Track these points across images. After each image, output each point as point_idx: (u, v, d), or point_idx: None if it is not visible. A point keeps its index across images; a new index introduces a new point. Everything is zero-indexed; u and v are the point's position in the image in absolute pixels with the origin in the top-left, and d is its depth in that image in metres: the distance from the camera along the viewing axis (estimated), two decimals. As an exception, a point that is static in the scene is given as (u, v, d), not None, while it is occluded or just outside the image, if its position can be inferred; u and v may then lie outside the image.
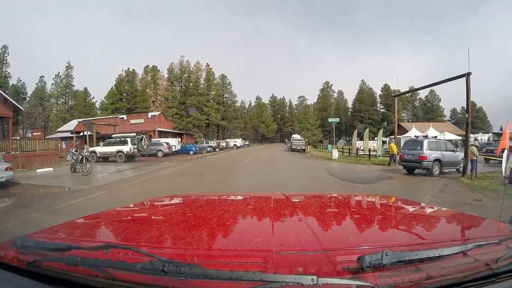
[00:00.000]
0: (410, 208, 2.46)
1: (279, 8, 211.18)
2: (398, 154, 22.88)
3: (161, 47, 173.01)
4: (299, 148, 51.68)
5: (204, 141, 62.51)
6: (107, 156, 32.11)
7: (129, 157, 31.58)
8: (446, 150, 18.72)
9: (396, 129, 30.46)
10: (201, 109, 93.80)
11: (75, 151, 20.04)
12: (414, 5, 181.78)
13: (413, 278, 1.05)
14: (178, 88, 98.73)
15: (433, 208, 2.32)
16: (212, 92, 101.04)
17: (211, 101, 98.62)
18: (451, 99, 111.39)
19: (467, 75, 17.00)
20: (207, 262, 1.11)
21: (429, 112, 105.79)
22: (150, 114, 61.67)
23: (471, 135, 46.10)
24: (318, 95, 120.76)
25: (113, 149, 31.61)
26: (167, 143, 43.34)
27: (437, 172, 17.75)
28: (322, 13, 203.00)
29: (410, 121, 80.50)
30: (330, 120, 52.30)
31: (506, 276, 1.14)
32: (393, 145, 25.43)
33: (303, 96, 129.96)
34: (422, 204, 2.55)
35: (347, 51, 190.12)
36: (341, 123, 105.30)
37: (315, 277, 0.98)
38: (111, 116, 66.52)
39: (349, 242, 1.47)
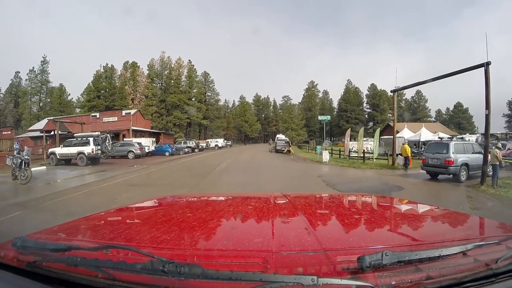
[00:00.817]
0: (410, 208, 2.49)
1: (265, 7, 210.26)
2: (410, 156, 22.21)
3: (142, 42, 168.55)
4: (284, 149, 48.61)
5: (183, 142, 59.00)
6: (68, 158, 28.78)
7: (93, 160, 28.13)
8: (473, 153, 16.97)
9: (395, 128, 27.86)
10: (182, 107, 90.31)
11: (17, 153, 16.96)
12: (401, 6, 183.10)
13: (413, 278, 1.05)
14: (158, 85, 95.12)
15: (433, 208, 2.33)
16: (194, 90, 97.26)
17: (193, 99, 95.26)
18: (436, 100, 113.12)
19: (486, 64, 14.76)
20: (207, 262, 1.11)
21: (415, 112, 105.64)
22: (124, 112, 57.84)
23: (459, 135, 46.22)
24: (303, 95, 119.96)
25: (74, 150, 28.04)
26: (139, 144, 39.45)
27: (464, 177, 15.99)
28: (308, 12, 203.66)
29: (397, 121, 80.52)
30: (320, 118, 46.11)
31: (506, 276, 1.14)
32: (407, 146, 23.28)
33: (288, 95, 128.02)
34: (422, 204, 2.54)
35: (333, 51, 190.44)
36: (326, 123, 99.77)
37: (315, 277, 0.98)
38: (83, 114, 64.14)
39: (349, 242, 1.48)
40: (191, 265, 1.04)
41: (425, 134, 38.08)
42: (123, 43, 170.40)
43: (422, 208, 2.43)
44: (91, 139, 28.22)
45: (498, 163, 14.33)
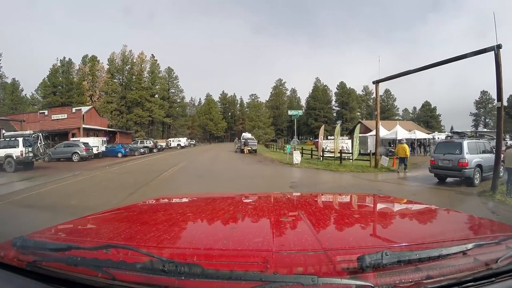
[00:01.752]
0: (410, 208, 2.51)
1: (234, 5, 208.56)
2: (407, 157, 20.06)
3: (102, 35, 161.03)
4: (251, 148, 44.95)
5: (139, 141, 54.01)
6: None
7: (24, 164, 24.02)
8: (484, 152, 15.28)
9: (378, 124, 24.02)
10: (143, 104, 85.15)
11: None
12: (369, 8, 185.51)
13: (413, 278, 1.06)
14: (119, 81, 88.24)
15: (433, 208, 2.31)
16: (157, 86, 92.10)
17: (155, 96, 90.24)
18: (403, 99, 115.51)
19: (497, 47, 12.57)
20: (207, 262, 1.11)
21: (384, 111, 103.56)
22: (74, 109, 53.08)
23: (430, 135, 45.48)
24: (271, 93, 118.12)
25: (1, 153, 23.72)
26: (85, 144, 34.98)
27: (478, 181, 14.27)
28: (278, 11, 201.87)
29: (365, 119, 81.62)
30: (290, 112, 40.75)
31: (506, 276, 1.15)
32: (405, 145, 20.53)
33: (255, 94, 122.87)
34: (422, 204, 2.55)
35: (302, 49, 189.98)
36: (294, 121, 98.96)
37: (315, 277, 0.99)
38: (30, 112, 59.80)
39: (349, 242, 1.48)
40: (191, 265, 1.04)
41: (401, 132, 36.56)
42: (83, 35, 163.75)
43: (422, 208, 2.45)
44: (20, 140, 24.26)
45: None
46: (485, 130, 77.27)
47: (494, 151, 14.94)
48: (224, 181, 17.44)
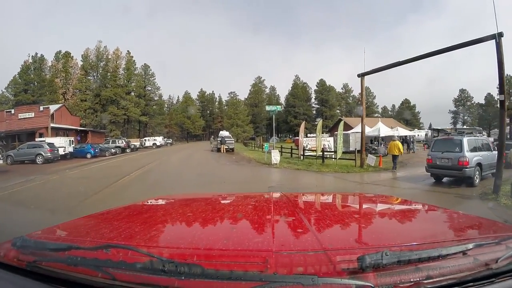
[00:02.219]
0: (410, 208, 2.50)
1: (213, 2, 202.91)
2: (399, 155, 19.32)
3: (76, 31, 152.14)
4: (228, 147, 42.67)
5: (111, 141, 51.11)
6: None
7: None
8: (483, 150, 14.54)
9: (363, 119, 22.56)
10: (118, 102, 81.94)
11: None
12: (349, 6, 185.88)
13: (413, 278, 1.06)
14: (93, 78, 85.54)
15: (433, 208, 2.34)
16: (133, 84, 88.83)
17: (131, 93, 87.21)
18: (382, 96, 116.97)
19: (498, 36, 11.43)
20: (207, 262, 1.11)
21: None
22: (42, 107, 50.25)
23: (412, 132, 44.90)
24: (250, 90, 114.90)
25: None
26: (50, 145, 32.63)
27: (478, 180, 13.46)
28: (257, 9, 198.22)
29: (344, 117, 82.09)
30: (268, 108, 39.25)
31: (506, 276, 1.15)
32: (398, 143, 19.49)
33: (234, 92, 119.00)
34: (422, 204, 2.53)
35: (281, 47, 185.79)
36: (274, 115, 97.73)
37: (315, 277, 0.99)
38: None
39: (349, 242, 1.48)
40: (191, 265, 1.05)
41: (384, 129, 35.54)
42: (56, 30, 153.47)
43: (422, 208, 2.46)
44: None
45: None
46: (465, 127, 79.14)
47: (493, 149, 14.81)
48: (190, 187, 15.12)
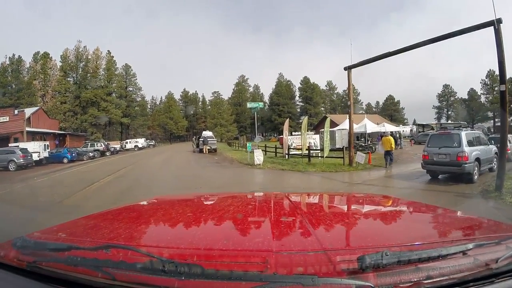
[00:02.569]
0: (410, 208, 2.47)
1: (197, 1, 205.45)
2: (392, 150, 18.84)
3: (55, 32, 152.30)
4: (210, 148, 41.24)
5: (89, 144, 49.97)
6: None
7: None
8: (480, 144, 14.12)
9: (351, 115, 21.29)
10: (99, 104, 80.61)
11: None
12: (333, 4, 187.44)
13: (413, 278, 1.06)
14: (72, 79, 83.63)
15: (433, 208, 2.33)
16: (113, 84, 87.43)
17: (112, 94, 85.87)
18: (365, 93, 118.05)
19: (497, 22, 10.65)
20: (207, 262, 1.12)
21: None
22: (16, 111, 47.73)
23: (397, 128, 44.82)
24: (233, 89, 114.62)
25: None
26: (23, 150, 30.86)
27: (476, 176, 12.98)
28: (241, 7, 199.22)
29: (329, 114, 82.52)
30: (249, 105, 34.30)
31: (506, 276, 1.15)
32: (391, 138, 19.11)
33: (218, 91, 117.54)
34: (422, 204, 2.55)
35: (264, 46, 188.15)
36: (257, 113, 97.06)
37: (315, 277, 1.00)
38: None
39: (349, 242, 1.52)
40: (191, 265, 1.06)
41: (370, 125, 35.49)
42: (34, 31, 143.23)
43: (422, 208, 2.45)
44: None
45: None
46: (449, 122, 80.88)
47: (492, 144, 14.51)
48: (162, 193, 11.79)
